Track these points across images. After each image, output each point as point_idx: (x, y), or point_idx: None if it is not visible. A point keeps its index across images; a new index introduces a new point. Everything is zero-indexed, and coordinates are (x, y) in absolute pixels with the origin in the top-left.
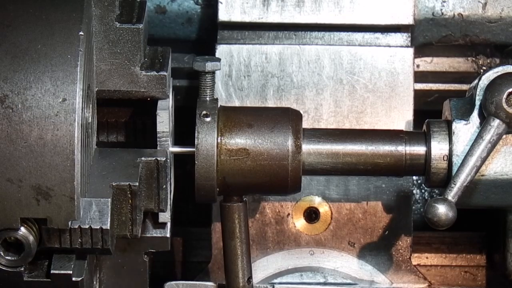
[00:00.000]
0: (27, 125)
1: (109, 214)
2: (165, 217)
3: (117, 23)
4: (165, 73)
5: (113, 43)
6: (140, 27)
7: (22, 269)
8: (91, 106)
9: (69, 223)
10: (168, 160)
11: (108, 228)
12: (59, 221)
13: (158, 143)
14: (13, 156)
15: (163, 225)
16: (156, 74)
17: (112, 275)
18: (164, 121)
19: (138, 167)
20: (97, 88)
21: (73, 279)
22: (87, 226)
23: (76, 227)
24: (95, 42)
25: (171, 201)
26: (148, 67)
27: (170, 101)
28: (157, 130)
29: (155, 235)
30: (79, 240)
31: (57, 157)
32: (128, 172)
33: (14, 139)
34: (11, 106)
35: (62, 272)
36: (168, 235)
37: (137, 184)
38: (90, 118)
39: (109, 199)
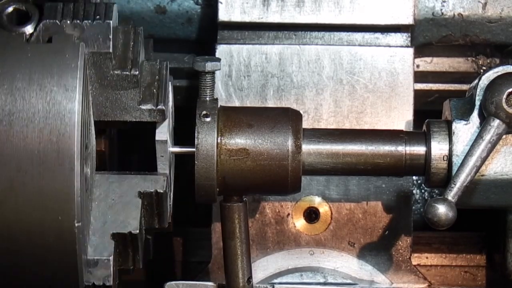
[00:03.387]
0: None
1: (111, 271)
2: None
3: (113, 71)
4: (163, 107)
5: (109, 87)
6: (137, 73)
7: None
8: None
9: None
10: (168, 189)
11: (111, 284)
12: None
13: (158, 168)
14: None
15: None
16: (154, 108)
17: None
18: (164, 130)
19: (138, 206)
20: (94, 120)
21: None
22: (90, 283)
23: None
24: (91, 82)
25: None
26: (146, 99)
27: (169, 121)
28: (156, 138)
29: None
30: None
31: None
32: (129, 215)
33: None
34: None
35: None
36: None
37: (137, 231)
38: (89, 149)
39: (111, 257)
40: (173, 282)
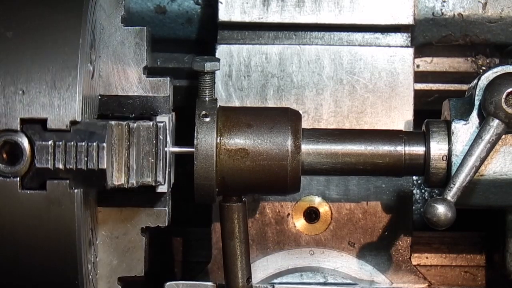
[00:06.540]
0: None
1: (106, 133)
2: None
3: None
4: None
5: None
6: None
7: (18, 180)
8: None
9: (69, 125)
10: (167, 129)
11: (105, 145)
12: (59, 120)
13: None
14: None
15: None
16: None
17: (107, 249)
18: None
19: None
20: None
21: (70, 191)
22: (83, 143)
23: (72, 143)
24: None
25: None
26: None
27: (171, 120)
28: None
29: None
30: (74, 158)
31: (61, 51)
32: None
33: None
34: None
35: (59, 182)
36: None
37: (135, 124)
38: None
39: (107, 122)
40: (173, 282)
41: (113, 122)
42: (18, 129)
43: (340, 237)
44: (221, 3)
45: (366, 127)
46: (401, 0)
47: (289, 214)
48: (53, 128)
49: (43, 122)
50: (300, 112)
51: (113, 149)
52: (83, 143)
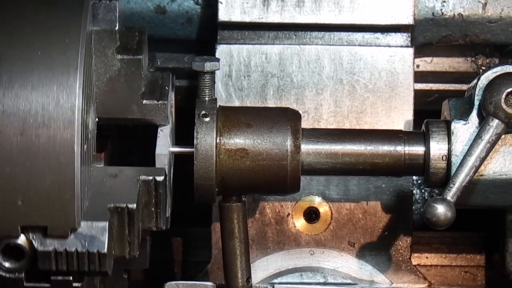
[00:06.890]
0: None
1: (106, 238)
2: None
3: (118, 55)
4: (165, 101)
5: (113, 74)
6: (141, 57)
7: (22, 275)
8: (91, 113)
9: (69, 232)
10: (167, 180)
11: (106, 252)
12: (59, 228)
13: (156, 161)
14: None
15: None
16: (157, 103)
17: None
18: (163, 143)
19: (136, 187)
20: (97, 117)
21: (74, 284)
22: (84, 250)
23: (73, 250)
24: (95, 73)
25: (171, 204)
26: (148, 95)
27: (170, 125)
28: (156, 152)
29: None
30: (76, 263)
31: (57, 163)
32: (126, 192)
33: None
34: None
35: (63, 278)
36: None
37: (134, 205)
38: (90, 126)
39: (107, 223)
40: (173, 282)
41: (111, 205)
42: (19, 235)
43: (340, 237)
44: (221, 3)
45: (366, 127)
46: (401, 0)
47: (289, 214)
48: (54, 235)
49: (43, 229)
50: (300, 112)
51: (113, 227)
52: (84, 250)
